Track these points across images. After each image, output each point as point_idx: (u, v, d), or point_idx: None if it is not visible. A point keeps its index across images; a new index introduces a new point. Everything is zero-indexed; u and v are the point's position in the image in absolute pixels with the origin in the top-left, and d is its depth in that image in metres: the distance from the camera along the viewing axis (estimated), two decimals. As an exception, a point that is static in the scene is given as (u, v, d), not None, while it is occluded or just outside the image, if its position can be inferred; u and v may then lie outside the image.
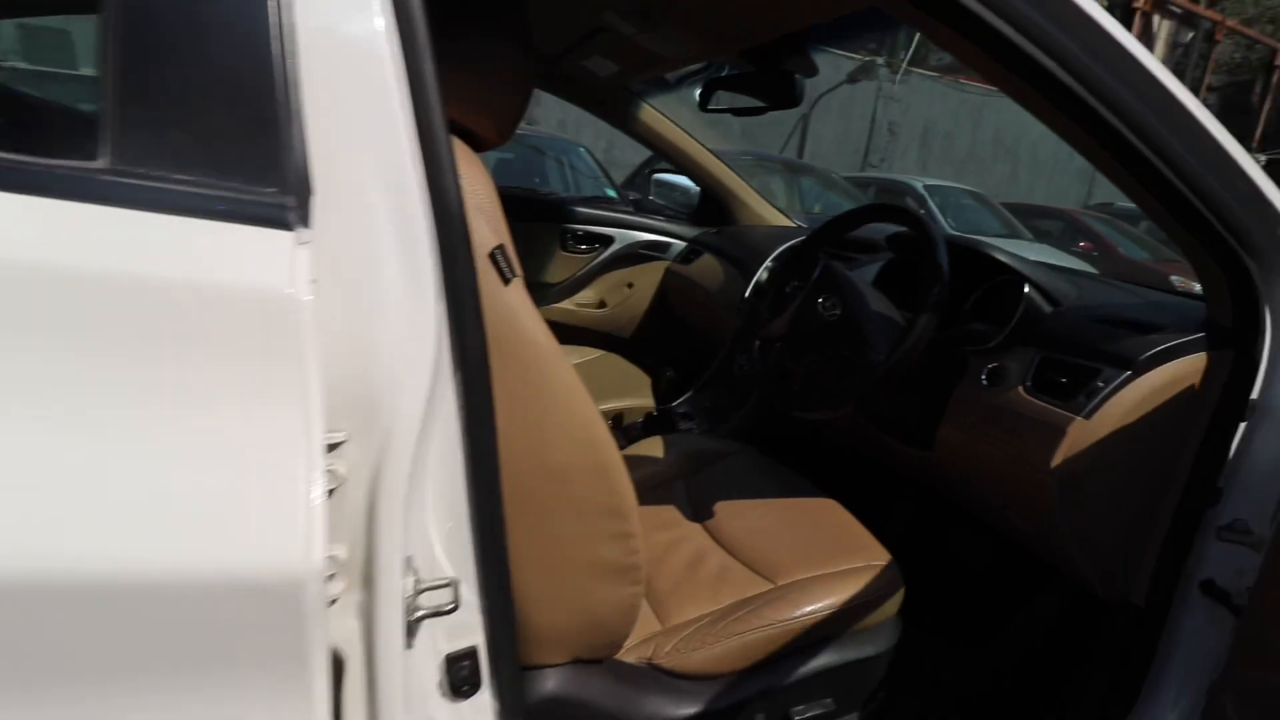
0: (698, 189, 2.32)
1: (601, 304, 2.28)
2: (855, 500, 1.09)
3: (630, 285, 2.28)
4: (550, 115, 7.97)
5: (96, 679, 0.39)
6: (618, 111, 1.96)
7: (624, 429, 1.69)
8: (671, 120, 2.06)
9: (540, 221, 2.14)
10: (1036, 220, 7.59)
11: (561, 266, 2.20)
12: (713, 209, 2.28)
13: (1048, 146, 11.32)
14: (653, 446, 1.21)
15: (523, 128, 6.84)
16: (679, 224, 2.31)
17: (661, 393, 1.71)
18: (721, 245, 2.08)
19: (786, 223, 2.28)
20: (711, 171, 2.14)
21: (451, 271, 0.51)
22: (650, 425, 1.68)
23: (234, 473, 0.40)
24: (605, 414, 1.63)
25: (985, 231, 6.30)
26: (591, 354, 2.03)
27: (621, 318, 2.26)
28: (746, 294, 1.68)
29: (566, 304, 2.21)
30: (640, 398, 1.74)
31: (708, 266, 2.06)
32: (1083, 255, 6.78)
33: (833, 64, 9.11)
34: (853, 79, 8.63)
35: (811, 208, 5.32)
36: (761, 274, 1.70)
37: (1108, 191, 11.10)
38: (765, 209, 2.26)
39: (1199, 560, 0.89)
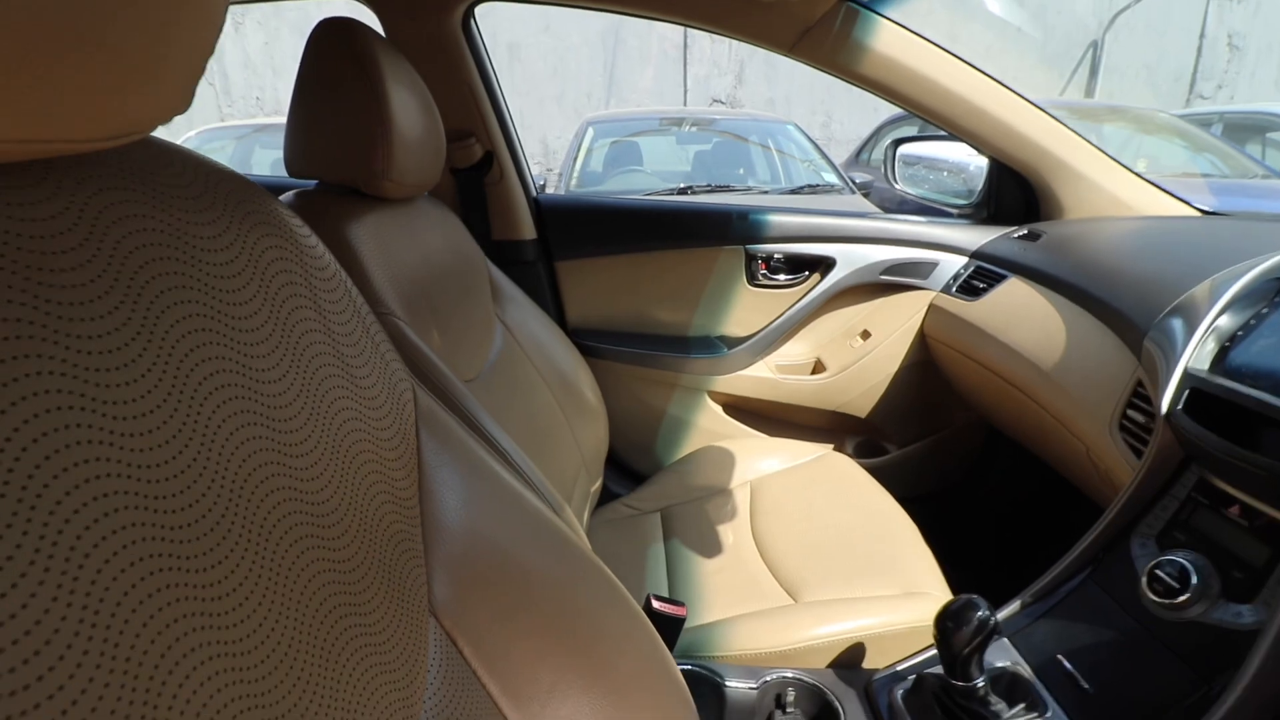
0: (981, 163, 1.36)
1: (820, 367, 1.45)
2: None
3: (866, 334, 1.40)
4: (756, 94, 7.06)
5: None
6: (835, 46, 1.11)
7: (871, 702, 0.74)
8: (935, 44, 1.16)
9: (708, 244, 1.37)
10: None
11: (751, 310, 1.41)
12: (1011, 197, 1.32)
13: None
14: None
15: (723, 111, 6.19)
16: (949, 226, 1.37)
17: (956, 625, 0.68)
18: (1047, 264, 1.12)
19: (1176, 208, 1.22)
20: (1013, 128, 1.19)
21: None
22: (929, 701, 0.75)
23: None
24: (828, 647, 0.81)
25: None
26: (806, 453, 1.21)
27: (853, 388, 1.40)
28: (1165, 405, 0.72)
29: (761, 369, 1.42)
30: (899, 590, 0.87)
31: (1020, 305, 1.12)
32: None
33: (1138, -33, 6.79)
34: (1173, -19, 6.31)
35: (1133, 165, 3.72)
36: (1198, 351, 0.73)
37: None
38: (1129, 185, 1.23)
39: None
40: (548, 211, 1.35)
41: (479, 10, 1.18)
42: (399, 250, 0.76)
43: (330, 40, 0.71)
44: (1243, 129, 4.92)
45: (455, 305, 0.85)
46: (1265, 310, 0.73)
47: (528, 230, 1.31)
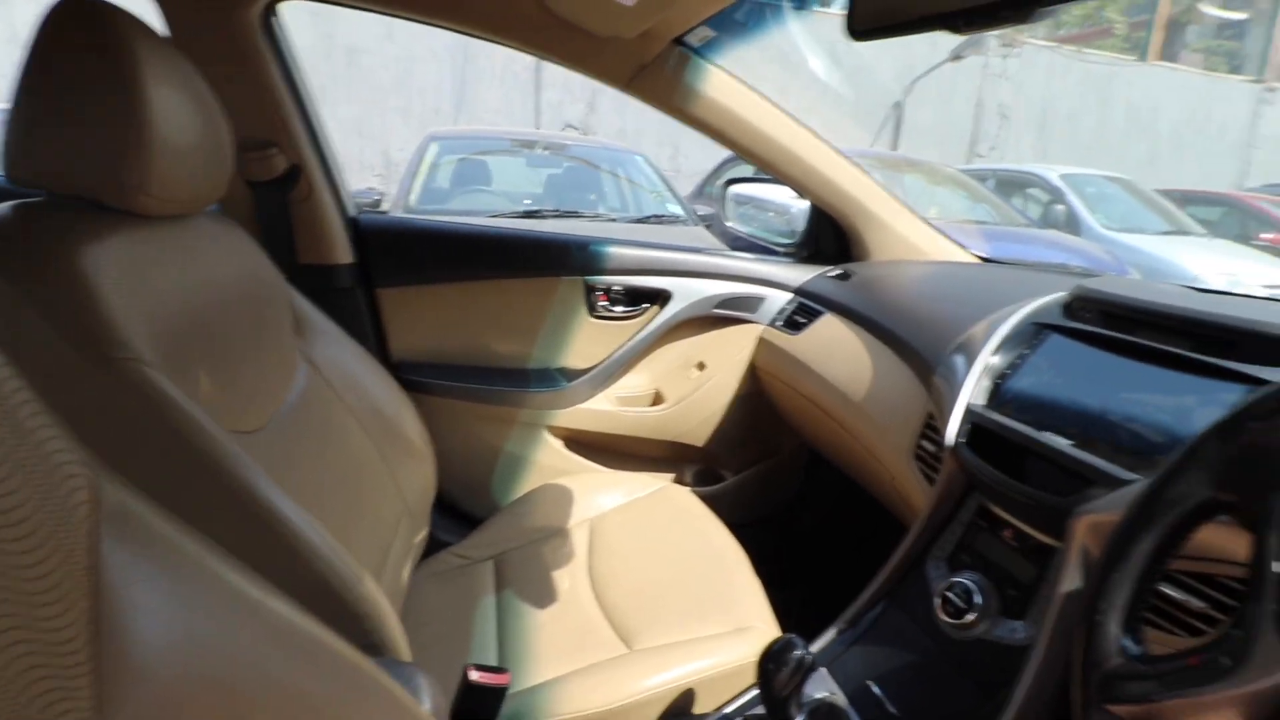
0: (803, 206, 1.46)
1: (659, 399, 1.46)
2: None
3: (701, 366, 1.44)
4: (607, 124, 7.23)
5: None
6: (668, 86, 1.14)
7: None
8: (758, 93, 1.23)
9: (547, 274, 1.34)
10: (1193, 208, 6.53)
11: (591, 342, 1.39)
12: (828, 238, 1.42)
13: (1193, 120, 9.58)
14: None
15: (575, 138, 6.24)
16: (775, 263, 1.45)
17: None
18: (856, 302, 1.21)
19: (958, 253, 1.38)
20: (826, 177, 1.29)
21: None
22: None
23: None
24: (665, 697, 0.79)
25: (1144, 229, 5.10)
26: (646, 485, 1.20)
27: (691, 418, 1.42)
28: (950, 438, 0.80)
29: (602, 401, 1.40)
30: (740, 621, 0.88)
31: (834, 340, 1.20)
32: (1268, 248, 5.55)
33: (930, 40, 7.92)
34: (957, 56, 7.42)
35: (925, 210, 4.30)
36: (976, 388, 0.82)
37: (1270, 169, 9.29)
38: (921, 232, 1.37)
39: None
40: (369, 233, 1.24)
41: (284, 8, 1.06)
42: (158, 278, 0.63)
43: (69, 24, 0.58)
44: (1009, 184, 5.93)
45: (241, 342, 0.73)
46: (1027, 351, 0.83)
47: (343, 253, 1.19)
